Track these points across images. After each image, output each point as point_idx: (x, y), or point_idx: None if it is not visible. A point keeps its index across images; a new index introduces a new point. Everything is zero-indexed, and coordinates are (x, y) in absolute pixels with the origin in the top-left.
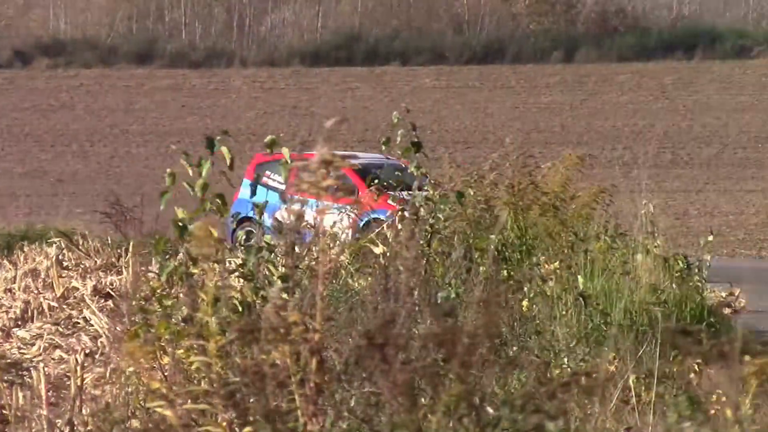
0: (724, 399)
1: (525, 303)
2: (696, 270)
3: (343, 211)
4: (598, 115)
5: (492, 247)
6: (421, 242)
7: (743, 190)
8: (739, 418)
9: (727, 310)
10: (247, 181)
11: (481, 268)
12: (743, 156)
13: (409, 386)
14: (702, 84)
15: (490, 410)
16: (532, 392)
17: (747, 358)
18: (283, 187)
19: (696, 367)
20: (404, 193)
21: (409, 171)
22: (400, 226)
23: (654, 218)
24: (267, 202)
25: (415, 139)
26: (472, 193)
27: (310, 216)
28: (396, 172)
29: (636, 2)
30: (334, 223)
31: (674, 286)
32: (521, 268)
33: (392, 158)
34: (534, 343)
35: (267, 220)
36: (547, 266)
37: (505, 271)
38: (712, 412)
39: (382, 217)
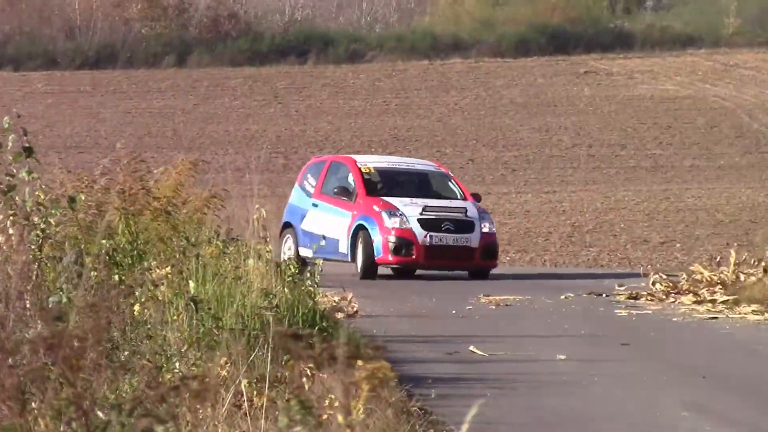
0: (336, 404)
1: (136, 307)
2: (308, 275)
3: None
4: (210, 120)
5: (103, 251)
6: (33, 247)
7: None
8: (351, 423)
9: (339, 315)
10: (297, 186)
11: (92, 273)
12: None
13: (19, 390)
14: (315, 89)
15: (100, 414)
16: (142, 396)
17: (359, 362)
18: (312, 190)
19: (308, 371)
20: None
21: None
22: (11, 231)
23: (266, 223)
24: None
25: (27, 145)
26: (83, 198)
27: (321, 218)
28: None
29: (248, 7)
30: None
31: (286, 290)
32: (133, 272)
33: (431, 164)
34: (145, 347)
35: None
36: (158, 271)
37: (116, 276)
38: (324, 416)
39: (364, 223)
